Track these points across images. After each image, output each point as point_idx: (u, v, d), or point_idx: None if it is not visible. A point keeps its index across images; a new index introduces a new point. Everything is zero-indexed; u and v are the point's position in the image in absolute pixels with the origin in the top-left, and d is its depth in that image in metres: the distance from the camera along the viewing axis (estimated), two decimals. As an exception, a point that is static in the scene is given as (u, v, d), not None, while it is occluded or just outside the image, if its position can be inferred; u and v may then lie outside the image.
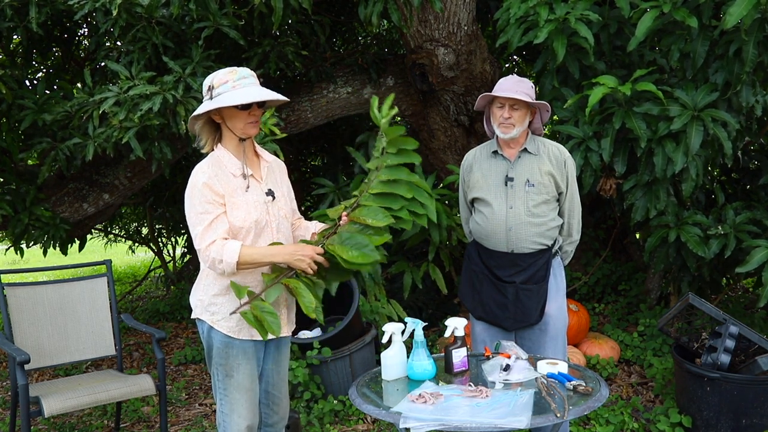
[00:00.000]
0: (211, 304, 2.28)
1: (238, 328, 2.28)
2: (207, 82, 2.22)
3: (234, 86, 2.17)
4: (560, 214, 2.81)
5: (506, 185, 2.75)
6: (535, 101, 2.69)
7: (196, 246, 2.19)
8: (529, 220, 2.72)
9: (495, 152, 2.80)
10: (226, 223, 2.20)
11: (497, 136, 2.76)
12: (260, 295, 2.19)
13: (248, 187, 2.26)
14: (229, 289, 2.25)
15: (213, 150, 2.29)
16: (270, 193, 2.34)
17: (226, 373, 2.30)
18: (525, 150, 2.75)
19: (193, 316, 2.35)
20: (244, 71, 2.22)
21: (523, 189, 2.73)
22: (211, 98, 2.19)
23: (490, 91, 2.73)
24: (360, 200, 2.24)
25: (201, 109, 2.20)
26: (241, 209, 2.23)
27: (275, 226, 2.33)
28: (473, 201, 2.87)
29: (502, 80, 2.74)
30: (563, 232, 2.84)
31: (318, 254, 2.21)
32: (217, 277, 2.26)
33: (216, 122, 2.28)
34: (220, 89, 2.18)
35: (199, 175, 2.21)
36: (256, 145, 2.40)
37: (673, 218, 3.61)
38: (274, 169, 2.41)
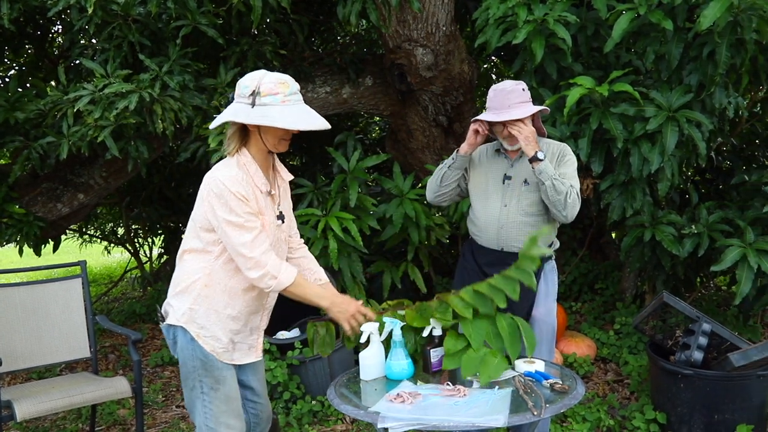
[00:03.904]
0: (202, 317, 2.18)
1: (223, 350, 2.21)
2: (249, 84, 2.05)
3: (284, 101, 2.04)
4: None
5: (503, 183, 2.75)
6: (528, 111, 2.64)
7: (246, 254, 2.07)
8: (521, 219, 2.71)
9: (498, 150, 2.80)
10: (267, 236, 2.15)
11: None
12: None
13: (267, 207, 2.20)
14: (229, 313, 2.19)
15: (237, 153, 2.15)
16: (281, 216, 2.27)
17: (212, 386, 2.20)
18: None
19: (173, 321, 2.21)
20: (295, 85, 2.09)
21: (519, 188, 2.72)
22: (252, 104, 2.04)
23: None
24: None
25: (243, 117, 2.04)
26: (265, 228, 2.16)
27: (276, 251, 2.26)
28: (470, 195, 2.86)
29: (491, 94, 2.68)
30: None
31: (360, 312, 2.26)
32: (225, 292, 2.18)
33: (246, 127, 2.13)
34: (268, 99, 2.03)
35: (233, 184, 2.07)
36: (276, 158, 2.30)
37: (649, 218, 3.65)
38: (287, 189, 2.35)
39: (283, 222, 2.28)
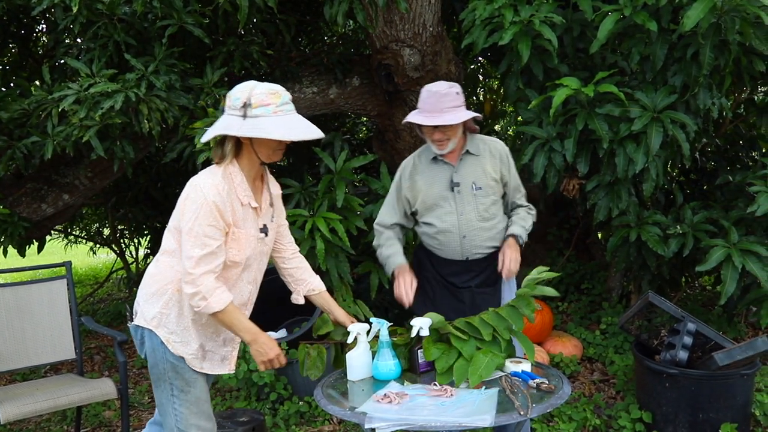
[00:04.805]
0: (173, 322, 2.17)
1: (192, 356, 2.19)
2: (240, 96, 2.03)
3: (276, 111, 2.02)
4: (508, 205, 2.80)
5: (453, 191, 2.65)
6: (461, 117, 2.53)
7: (188, 268, 2.04)
8: (480, 225, 2.67)
9: (435, 158, 2.68)
10: (224, 255, 2.10)
11: None
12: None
13: (246, 220, 2.16)
14: (197, 319, 2.17)
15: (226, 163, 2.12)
16: (264, 229, 2.23)
17: (182, 388, 2.20)
18: (467, 152, 2.66)
19: (141, 323, 2.20)
20: (286, 95, 2.08)
21: (470, 193, 2.65)
22: (244, 116, 2.02)
23: None
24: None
25: (235, 130, 2.01)
26: (240, 242, 2.13)
27: (257, 264, 2.25)
28: (418, 213, 2.75)
29: (423, 95, 2.56)
30: (514, 212, 2.78)
31: (278, 360, 2.18)
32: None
33: (238, 139, 2.11)
34: (259, 111, 2.01)
35: (212, 192, 2.04)
36: (267, 170, 2.27)
37: (634, 218, 3.68)
38: (276, 202, 2.31)
39: (266, 235, 2.25)
